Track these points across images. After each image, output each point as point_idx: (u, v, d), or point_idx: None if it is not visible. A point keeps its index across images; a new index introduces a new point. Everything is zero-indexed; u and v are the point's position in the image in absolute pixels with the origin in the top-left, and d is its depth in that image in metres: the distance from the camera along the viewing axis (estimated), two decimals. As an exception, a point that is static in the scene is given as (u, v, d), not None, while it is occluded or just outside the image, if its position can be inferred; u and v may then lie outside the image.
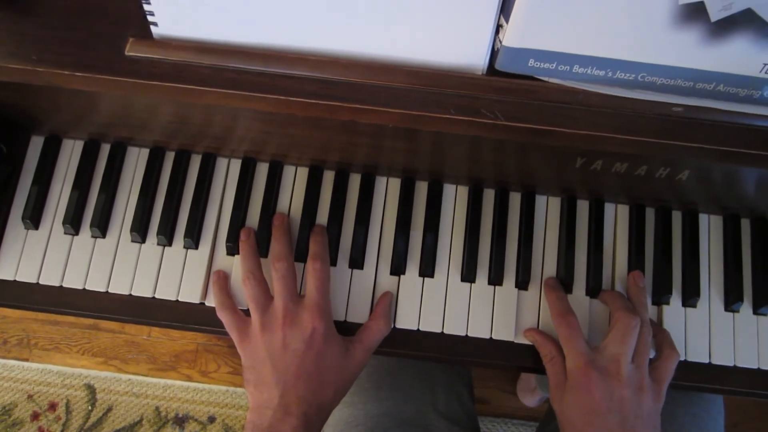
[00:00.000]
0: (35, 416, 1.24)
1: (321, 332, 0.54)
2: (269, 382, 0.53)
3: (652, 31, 0.41)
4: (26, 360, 1.28)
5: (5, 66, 0.46)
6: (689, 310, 0.61)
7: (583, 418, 0.52)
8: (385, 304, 0.59)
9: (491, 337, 0.59)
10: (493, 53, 0.45)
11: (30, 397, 1.25)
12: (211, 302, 0.59)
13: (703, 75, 0.44)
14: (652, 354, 0.56)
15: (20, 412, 1.24)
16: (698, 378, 0.59)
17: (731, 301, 0.60)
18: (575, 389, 0.53)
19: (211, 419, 1.24)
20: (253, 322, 0.56)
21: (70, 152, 0.63)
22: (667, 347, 0.56)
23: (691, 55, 0.42)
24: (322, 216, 0.62)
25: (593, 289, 0.60)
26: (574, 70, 0.44)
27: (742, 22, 0.40)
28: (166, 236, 0.60)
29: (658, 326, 0.59)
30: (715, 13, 0.40)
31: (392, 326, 0.59)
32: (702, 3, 0.39)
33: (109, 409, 1.24)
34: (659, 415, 0.53)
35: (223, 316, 0.57)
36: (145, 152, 0.63)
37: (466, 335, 0.59)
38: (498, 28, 0.43)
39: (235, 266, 0.60)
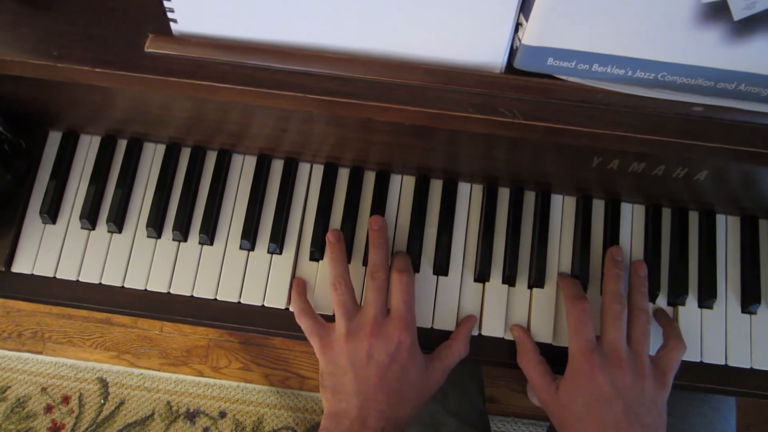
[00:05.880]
0: (48, 409, 1.25)
1: (406, 346, 0.53)
2: (349, 391, 0.53)
3: (673, 30, 0.41)
4: (40, 353, 1.29)
5: (26, 61, 0.47)
6: (705, 311, 0.60)
7: (586, 407, 0.52)
8: (468, 327, 0.59)
9: (503, 337, 0.59)
10: (512, 51, 0.45)
11: (43, 390, 1.26)
12: (222, 297, 0.60)
13: (725, 74, 0.43)
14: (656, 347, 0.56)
15: (34, 405, 1.25)
16: (714, 380, 0.59)
17: (748, 303, 0.60)
18: (577, 376, 0.53)
19: (222, 414, 1.25)
20: (337, 328, 0.55)
21: (87, 147, 0.63)
22: (672, 338, 0.56)
23: (712, 55, 0.42)
24: (337, 214, 0.62)
25: (608, 290, 0.60)
26: (593, 69, 0.44)
27: (765, 21, 0.39)
28: (182, 232, 0.60)
29: (668, 318, 0.59)
30: (738, 11, 0.39)
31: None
32: (725, 2, 0.39)
33: (122, 403, 1.26)
34: (665, 405, 0.53)
35: (303, 322, 0.57)
36: (161, 148, 0.63)
37: (480, 334, 0.59)
38: (517, 26, 0.43)
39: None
